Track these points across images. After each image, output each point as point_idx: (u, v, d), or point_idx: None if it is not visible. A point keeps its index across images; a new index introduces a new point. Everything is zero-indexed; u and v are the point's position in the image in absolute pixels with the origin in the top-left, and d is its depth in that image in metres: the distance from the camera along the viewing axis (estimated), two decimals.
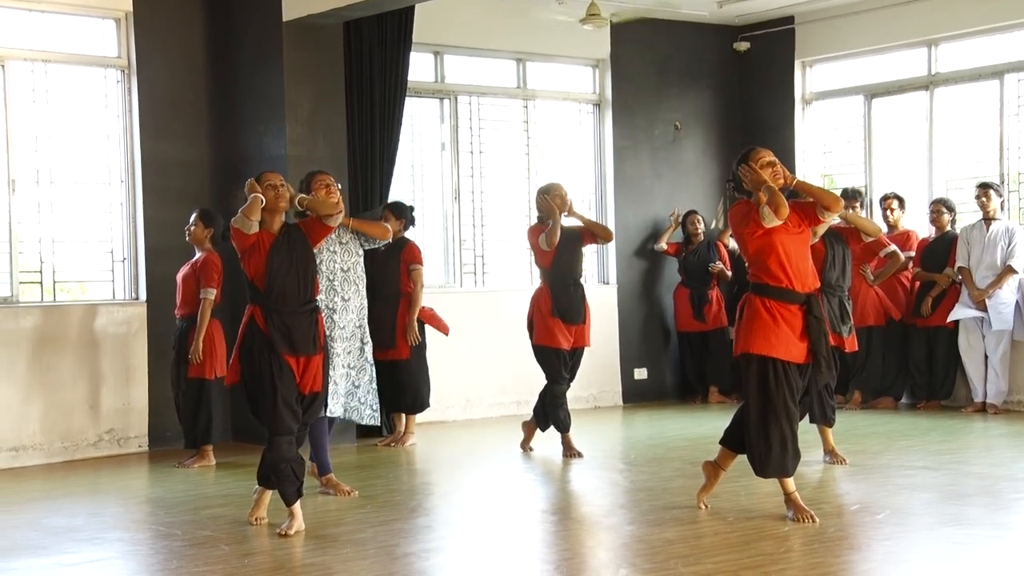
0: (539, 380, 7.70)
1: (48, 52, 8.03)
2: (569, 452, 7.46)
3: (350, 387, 6.33)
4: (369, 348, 6.41)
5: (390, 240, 6.55)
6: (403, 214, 8.02)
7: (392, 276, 8.00)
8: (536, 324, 7.44)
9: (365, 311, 6.42)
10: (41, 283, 8.01)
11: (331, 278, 6.24)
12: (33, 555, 5.17)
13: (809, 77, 10.78)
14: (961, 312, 8.95)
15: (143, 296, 8.24)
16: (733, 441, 5.64)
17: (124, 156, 8.30)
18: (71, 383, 7.87)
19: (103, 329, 8.03)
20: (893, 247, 9.24)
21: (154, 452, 8.05)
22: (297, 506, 5.45)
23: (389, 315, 7.96)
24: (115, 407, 8.02)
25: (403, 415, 8.26)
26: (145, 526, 5.93)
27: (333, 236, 6.22)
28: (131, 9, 8.19)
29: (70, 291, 8.34)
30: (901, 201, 9.58)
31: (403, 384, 8.09)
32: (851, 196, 9.39)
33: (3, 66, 7.85)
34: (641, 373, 10.47)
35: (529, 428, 7.72)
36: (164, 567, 5.01)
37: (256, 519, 5.62)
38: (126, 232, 8.30)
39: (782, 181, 5.43)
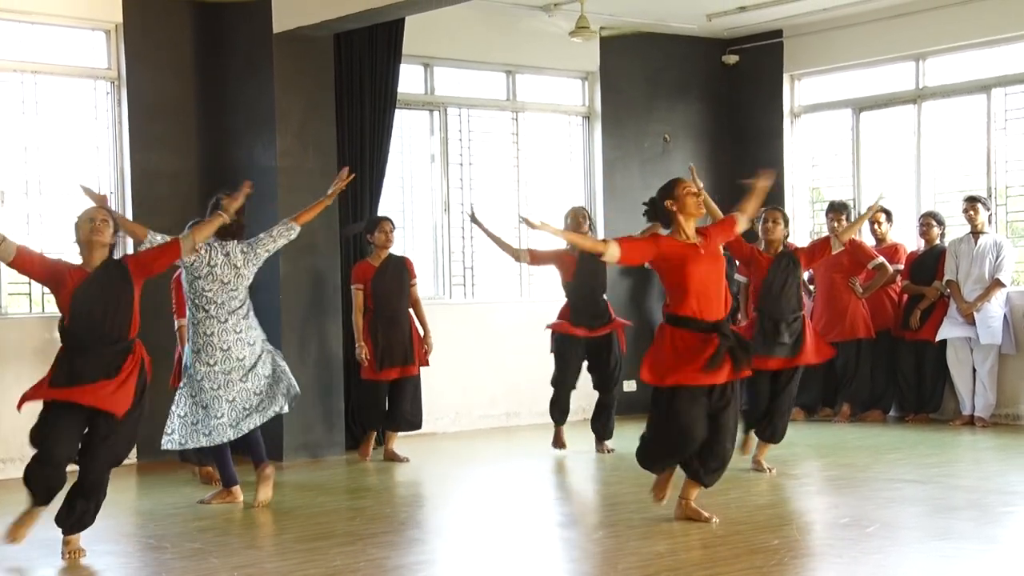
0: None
1: (38, 63, 8.02)
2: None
3: (265, 388, 6.41)
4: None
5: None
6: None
7: (405, 293, 7.97)
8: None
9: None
10: (30, 295, 7.99)
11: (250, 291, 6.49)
12: (22, 567, 5.13)
13: (798, 90, 10.83)
14: (950, 331, 8.98)
15: None
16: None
17: (114, 167, 8.29)
18: None
19: None
20: (881, 259, 9.31)
21: (143, 464, 8.02)
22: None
23: (405, 331, 7.91)
24: None
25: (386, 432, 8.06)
26: (134, 538, 5.90)
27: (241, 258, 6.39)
28: (121, 21, 8.19)
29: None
30: (889, 214, 9.63)
31: (417, 399, 8.04)
32: (838, 209, 9.45)
33: None
34: (630, 385, 10.47)
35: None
36: None
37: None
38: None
39: (703, 211, 5.79)
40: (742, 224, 5.86)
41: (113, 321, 5.25)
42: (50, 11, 7.99)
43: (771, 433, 7.03)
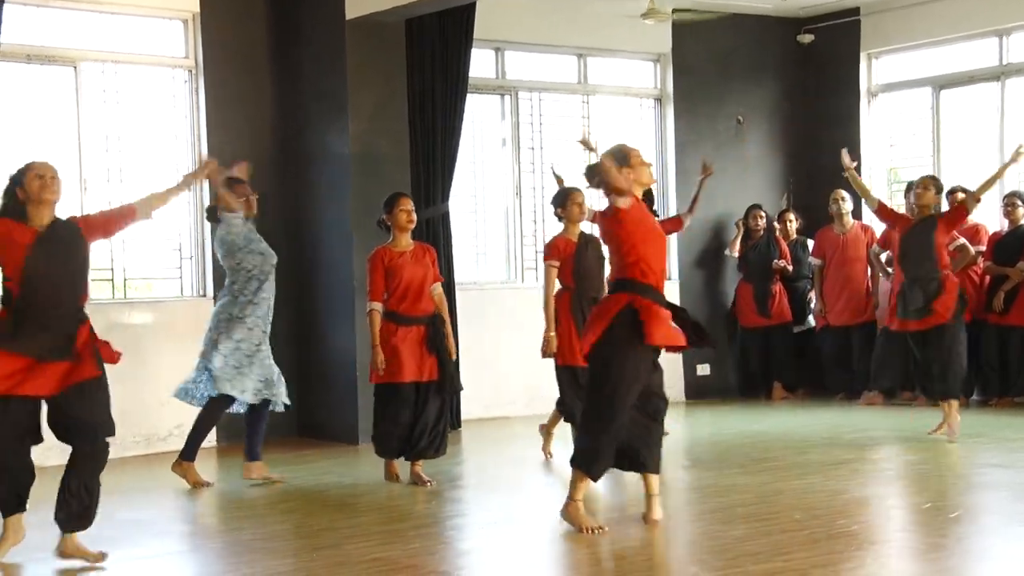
0: None
1: (118, 53, 8.16)
2: None
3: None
4: None
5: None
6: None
7: (604, 271, 7.03)
8: None
9: None
10: (112, 280, 8.15)
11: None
12: (105, 548, 5.23)
13: (875, 69, 10.62)
14: None
15: (210, 292, 8.35)
16: None
17: (191, 155, 8.41)
18: (141, 379, 7.98)
19: (172, 325, 8.15)
20: (963, 240, 9.10)
21: (222, 447, 8.16)
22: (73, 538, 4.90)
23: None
24: (184, 402, 8.11)
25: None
26: (215, 520, 6.01)
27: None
28: (198, 10, 8.31)
29: (138, 288, 8.48)
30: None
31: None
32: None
33: (76, 67, 8.00)
34: (704, 369, 10.40)
35: None
36: (235, 560, 5.07)
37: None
38: (193, 230, 8.41)
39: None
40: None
41: (71, 288, 4.87)
42: (129, 2, 8.13)
43: (943, 390, 7.46)
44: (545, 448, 7.41)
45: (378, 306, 6.41)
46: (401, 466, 6.62)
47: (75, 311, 4.91)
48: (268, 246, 6.72)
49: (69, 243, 4.93)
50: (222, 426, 8.16)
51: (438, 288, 6.56)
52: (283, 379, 6.72)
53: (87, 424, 4.82)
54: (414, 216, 6.53)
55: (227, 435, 8.10)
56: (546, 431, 7.49)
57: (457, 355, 6.78)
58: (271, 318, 6.71)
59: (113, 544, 5.30)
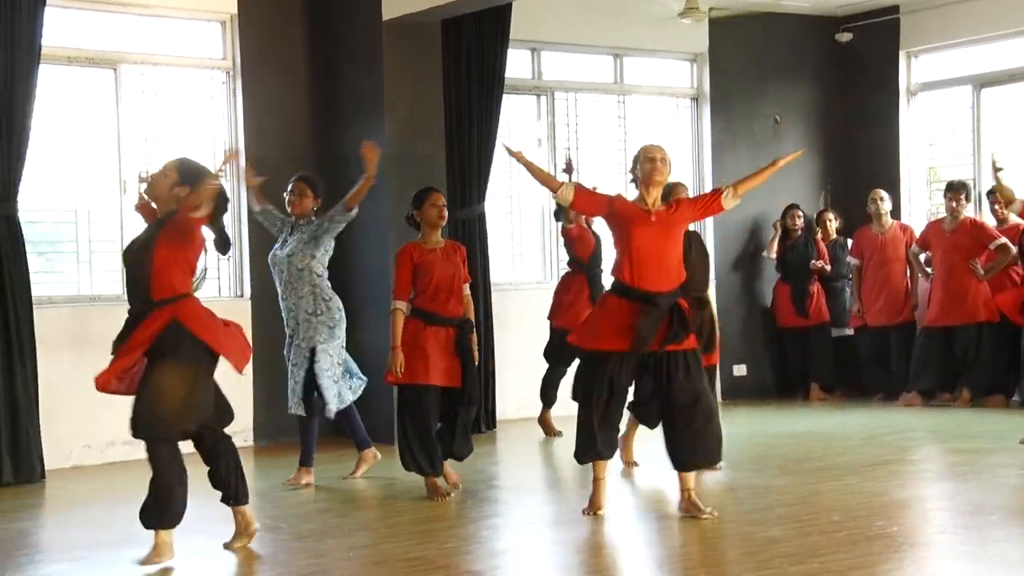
0: None
1: (156, 55, 8.24)
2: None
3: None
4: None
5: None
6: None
7: (708, 271, 6.91)
8: None
9: None
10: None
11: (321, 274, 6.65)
12: (142, 547, 5.27)
13: (914, 67, 10.51)
14: None
15: (247, 293, 8.41)
16: None
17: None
18: None
19: None
20: (1003, 240, 9.01)
21: (259, 447, 8.21)
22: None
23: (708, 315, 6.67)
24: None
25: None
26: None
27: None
28: (236, 12, 8.37)
29: None
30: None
31: None
32: (957, 188, 9.20)
33: (116, 69, 8.08)
34: (740, 369, 10.34)
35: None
36: (271, 560, 5.11)
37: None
38: (231, 230, 8.44)
39: (663, 179, 5.65)
40: (728, 201, 5.71)
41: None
42: (167, 4, 8.21)
43: None
44: (626, 458, 6.90)
45: (402, 305, 6.11)
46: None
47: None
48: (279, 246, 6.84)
49: None
50: (259, 426, 8.25)
51: (465, 289, 6.29)
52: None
53: None
54: (445, 212, 6.27)
55: (265, 435, 8.17)
56: (624, 441, 6.89)
57: (480, 363, 6.54)
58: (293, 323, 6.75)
59: (150, 542, 5.36)
